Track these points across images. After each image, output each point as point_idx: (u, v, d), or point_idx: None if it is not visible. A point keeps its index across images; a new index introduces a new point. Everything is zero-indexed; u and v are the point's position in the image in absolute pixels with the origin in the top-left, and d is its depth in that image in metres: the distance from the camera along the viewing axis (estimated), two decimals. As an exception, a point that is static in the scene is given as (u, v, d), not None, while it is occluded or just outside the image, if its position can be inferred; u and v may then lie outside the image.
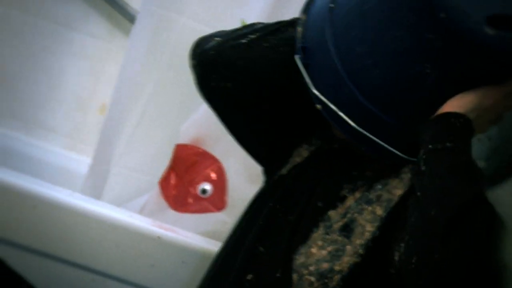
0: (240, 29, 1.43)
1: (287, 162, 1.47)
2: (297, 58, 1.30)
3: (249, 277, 1.35)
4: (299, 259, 1.31)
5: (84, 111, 2.60)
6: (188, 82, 2.02)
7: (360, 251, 1.27)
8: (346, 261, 1.27)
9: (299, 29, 1.33)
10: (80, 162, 2.50)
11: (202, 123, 1.96)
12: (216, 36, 1.42)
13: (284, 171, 1.47)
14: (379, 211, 1.29)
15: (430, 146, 1.15)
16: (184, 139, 1.98)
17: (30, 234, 1.61)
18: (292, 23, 1.40)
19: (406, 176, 1.31)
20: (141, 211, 2.01)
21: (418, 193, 1.13)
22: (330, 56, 1.25)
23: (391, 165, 1.33)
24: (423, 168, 1.14)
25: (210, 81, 1.41)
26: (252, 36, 1.39)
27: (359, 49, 1.22)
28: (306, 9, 1.36)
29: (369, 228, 1.28)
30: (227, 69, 1.38)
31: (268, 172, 1.52)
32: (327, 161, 1.44)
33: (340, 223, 1.31)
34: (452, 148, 1.13)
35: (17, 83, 2.56)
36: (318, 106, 1.27)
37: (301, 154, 1.47)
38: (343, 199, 1.35)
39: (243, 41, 1.39)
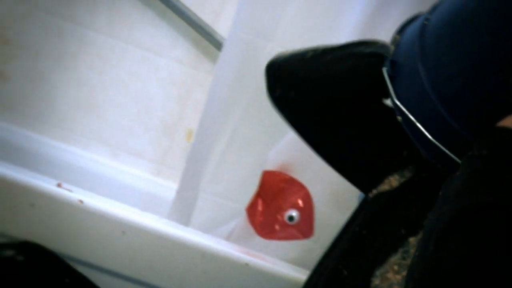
0: (310, 47, 1.48)
1: (375, 187, 1.45)
2: (384, 70, 1.30)
3: None
4: (375, 281, 1.30)
5: (170, 137, 2.62)
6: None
7: None
8: None
9: (392, 47, 1.32)
10: (167, 188, 2.52)
11: (289, 150, 1.95)
12: (289, 53, 1.48)
13: (370, 195, 1.45)
14: None
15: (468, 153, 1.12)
16: (271, 166, 1.98)
17: (119, 260, 1.62)
18: (363, 42, 1.41)
19: None
20: (229, 238, 2.01)
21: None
22: (417, 67, 1.23)
23: None
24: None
25: (276, 90, 1.47)
26: (318, 51, 1.45)
27: (445, 58, 1.20)
28: (401, 30, 1.35)
29: None
30: (290, 78, 1.45)
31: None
32: (415, 190, 1.41)
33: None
34: (487, 155, 1.10)
35: (106, 108, 2.60)
36: (399, 118, 1.25)
37: (391, 183, 1.44)
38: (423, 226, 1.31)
39: (308, 54, 1.45)
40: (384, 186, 1.44)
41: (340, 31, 1.99)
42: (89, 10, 2.55)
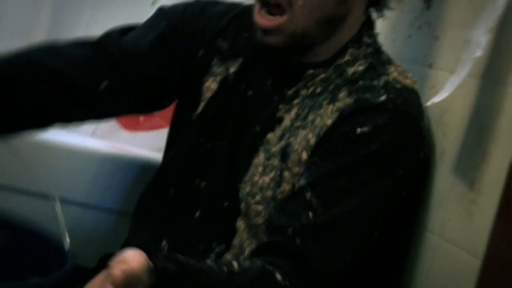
0: None
1: (199, 102, 1.43)
2: None
3: (197, 214, 1.36)
4: (245, 188, 1.31)
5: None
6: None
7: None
8: (287, 189, 1.27)
9: None
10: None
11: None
12: None
13: (199, 110, 1.42)
14: (312, 138, 1.27)
15: None
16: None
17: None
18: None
19: (339, 103, 1.27)
20: (93, 135, 2.00)
21: None
22: None
23: (325, 80, 1.32)
24: None
25: None
26: None
27: None
28: None
29: (305, 157, 1.27)
30: None
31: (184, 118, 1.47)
32: (248, 83, 1.39)
33: (278, 147, 1.30)
34: None
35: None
36: None
37: (210, 87, 1.42)
38: (280, 120, 1.32)
39: None
40: (206, 95, 1.42)
41: None
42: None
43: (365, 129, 1.22)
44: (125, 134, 1.99)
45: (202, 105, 1.41)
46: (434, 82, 1.37)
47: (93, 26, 2.01)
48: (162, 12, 1.48)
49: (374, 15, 1.38)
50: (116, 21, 1.99)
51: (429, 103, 1.33)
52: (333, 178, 1.22)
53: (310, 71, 1.32)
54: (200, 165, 1.38)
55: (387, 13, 1.37)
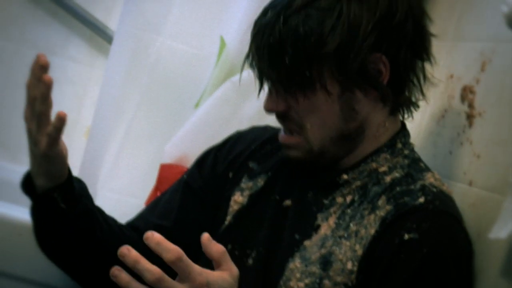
0: None
1: (226, 215, 1.47)
2: None
3: None
4: None
5: (69, 136, 2.59)
6: (170, 101, 2.03)
7: None
8: None
9: None
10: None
11: (185, 142, 1.95)
12: None
13: (226, 223, 1.46)
14: (359, 250, 1.27)
15: None
16: (168, 159, 1.98)
17: (16, 261, 1.60)
18: None
19: (379, 212, 1.29)
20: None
21: None
22: None
23: (361, 188, 1.34)
24: None
25: None
26: None
27: None
28: None
29: (350, 267, 1.26)
30: None
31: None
32: (282, 194, 1.43)
33: (318, 254, 1.30)
34: None
35: (1, 111, 2.56)
36: None
37: (237, 201, 1.47)
38: (317, 228, 1.34)
39: None
40: (234, 207, 1.46)
41: (228, 22, 2.01)
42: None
43: (412, 235, 1.23)
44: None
45: (228, 218, 1.45)
46: (474, 200, 1.35)
47: (134, 127, 2.03)
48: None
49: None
50: (160, 122, 2.04)
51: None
52: None
53: (345, 176, 1.35)
54: None
55: (429, 128, 1.38)
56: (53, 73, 2.49)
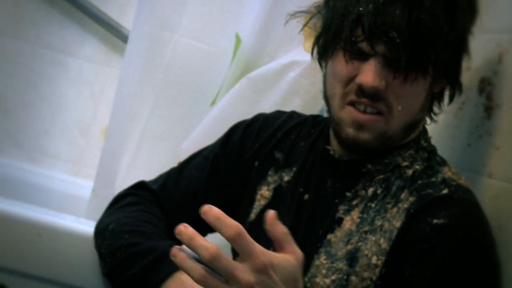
0: None
1: (251, 209, 1.47)
2: None
3: None
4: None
5: (86, 136, 2.60)
6: (186, 99, 2.02)
7: (370, 284, 1.26)
8: None
9: None
10: (86, 187, 2.50)
11: (202, 139, 1.94)
12: None
13: (252, 217, 1.47)
14: (384, 244, 1.26)
15: None
16: (185, 157, 1.98)
17: (35, 262, 1.60)
18: None
19: (403, 204, 1.28)
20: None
21: None
22: None
23: (384, 181, 1.33)
24: None
25: None
26: None
27: None
28: None
29: (375, 261, 1.26)
30: None
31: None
32: (305, 188, 1.42)
33: (344, 251, 1.30)
34: None
35: (17, 111, 2.56)
36: None
37: (264, 195, 1.46)
38: (339, 221, 1.33)
39: None
40: (260, 202, 1.46)
41: (243, 19, 2.00)
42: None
43: (442, 220, 1.21)
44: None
45: (254, 212, 1.45)
46: (495, 192, 1.34)
47: (151, 125, 2.03)
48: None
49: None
50: (176, 120, 2.03)
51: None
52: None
53: (369, 166, 1.35)
54: None
55: (447, 121, 1.37)
56: (69, 73, 2.55)
